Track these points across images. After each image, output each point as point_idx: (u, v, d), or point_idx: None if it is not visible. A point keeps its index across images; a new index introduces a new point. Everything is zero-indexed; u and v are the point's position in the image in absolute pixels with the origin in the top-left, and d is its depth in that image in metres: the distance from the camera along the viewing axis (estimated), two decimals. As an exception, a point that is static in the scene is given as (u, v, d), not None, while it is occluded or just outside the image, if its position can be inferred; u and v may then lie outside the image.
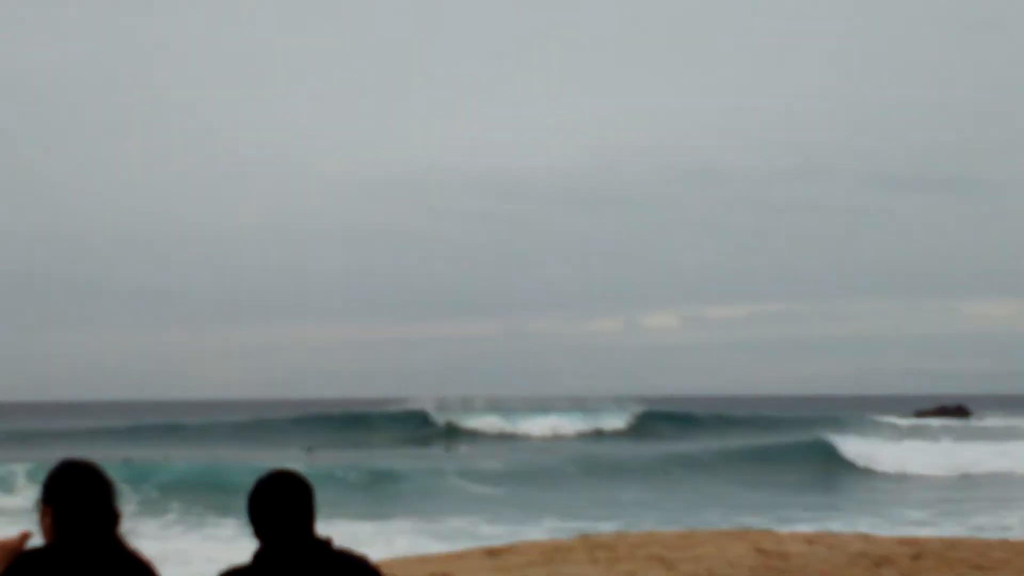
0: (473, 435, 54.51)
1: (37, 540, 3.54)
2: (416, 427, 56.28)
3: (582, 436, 55.65)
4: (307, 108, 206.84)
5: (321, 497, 3.61)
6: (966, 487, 32.72)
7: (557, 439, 54.14)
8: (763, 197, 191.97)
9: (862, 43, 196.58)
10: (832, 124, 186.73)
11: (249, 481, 3.58)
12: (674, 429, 58.19)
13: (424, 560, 14.33)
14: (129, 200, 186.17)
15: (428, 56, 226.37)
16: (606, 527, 21.10)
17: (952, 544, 15.59)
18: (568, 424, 58.16)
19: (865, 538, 16.32)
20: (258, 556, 3.43)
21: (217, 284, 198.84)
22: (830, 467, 37.10)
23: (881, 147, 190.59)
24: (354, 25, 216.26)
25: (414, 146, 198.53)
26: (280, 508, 3.44)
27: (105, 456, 27.26)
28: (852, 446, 39.80)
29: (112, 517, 3.55)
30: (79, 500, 3.51)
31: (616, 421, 60.16)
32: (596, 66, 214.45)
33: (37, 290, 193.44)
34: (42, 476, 3.64)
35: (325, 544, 3.47)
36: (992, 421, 69.69)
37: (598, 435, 56.68)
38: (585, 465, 35.86)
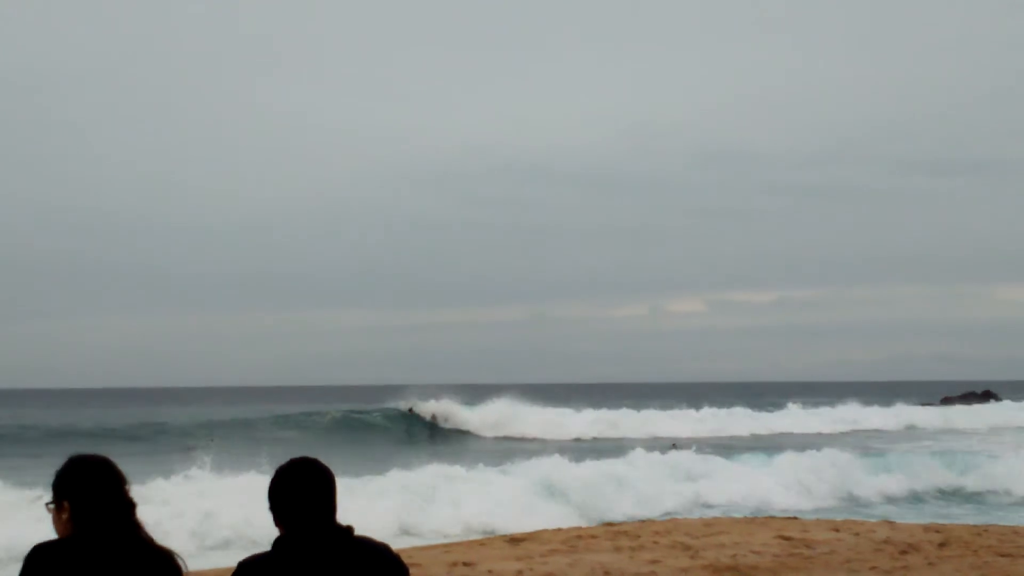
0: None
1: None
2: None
3: None
4: (334, 94, 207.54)
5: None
6: None
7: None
8: (791, 181, 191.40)
9: (893, 25, 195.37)
10: (863, 107, 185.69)
11: None
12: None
13: (446, 548, 14.34)
14: (156, 183, 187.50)
15: (454, 42, 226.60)
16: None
17: (979, 531, 15.50)
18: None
19: (891, 525, 16.24)
20: (279, 543, 3.43)
21: (237, 270, 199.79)
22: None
23: (912, 130, 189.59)
24: (379, 12, 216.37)
25: (440, 132, 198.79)
26: (301, 496, 3.41)
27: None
28: None
29: (129, 508, 3.56)
30: (97, 493, 3.52)
31: None
32: (623, 49, 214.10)
33: (68, 274, 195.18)
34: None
35: (346, 531, 3.45)
36: None
37: None
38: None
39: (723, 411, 62.73)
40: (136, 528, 3.54)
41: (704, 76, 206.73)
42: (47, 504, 3.57)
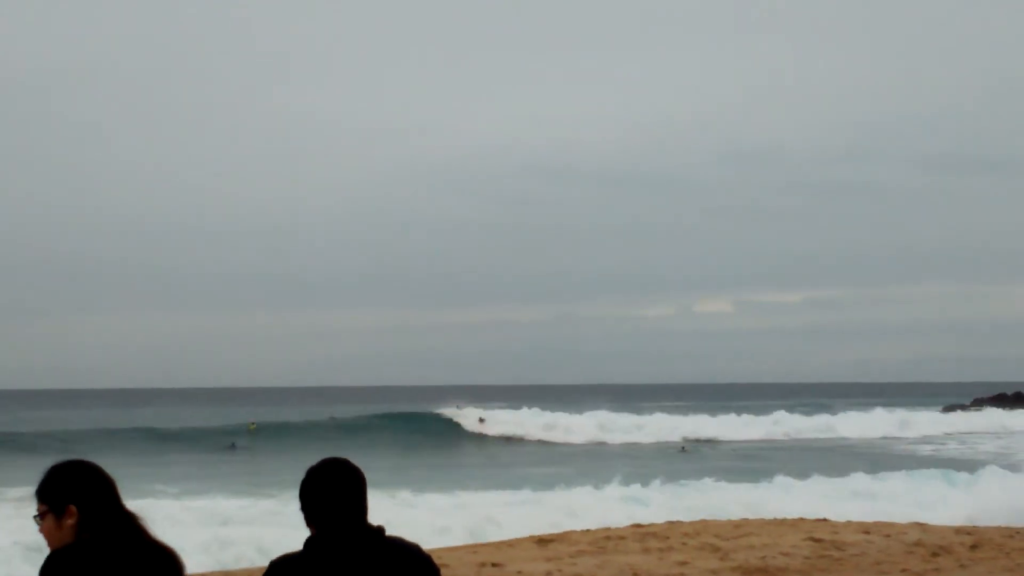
0: None
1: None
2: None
3: None
4: (357, 94, 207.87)
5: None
6: None
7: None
8: (817, 179, 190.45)
9: (914, 21, 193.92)
10: (886, 104, 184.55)
11: None
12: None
13: (474, 549, 14.31)
14: (181, 186, 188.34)
15: (476, 41, 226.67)
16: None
17: (1011, 533, 15.34)
18: None
19: (922, 527, 16.10)
20: (310, 543, 3.42)
21: (263, 271, 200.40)
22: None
23: (936, 127, 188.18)
24: (402, 12, 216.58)
25: (463, 132, 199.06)
26: (333, 495, 3.41)
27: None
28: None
29: (125, 508, 3.54)
30: (103, 496, 3.50)
31: None
32: (644, 47, 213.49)
33: (95, 274, 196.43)
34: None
35: (378, 531, 3.44)
36: None
37: None
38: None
39: (795, 415, 62.02)
40: (141, 527, 3.52)
41: (725, 75, 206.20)
42: (36, 516, 3.51)
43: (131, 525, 3.50)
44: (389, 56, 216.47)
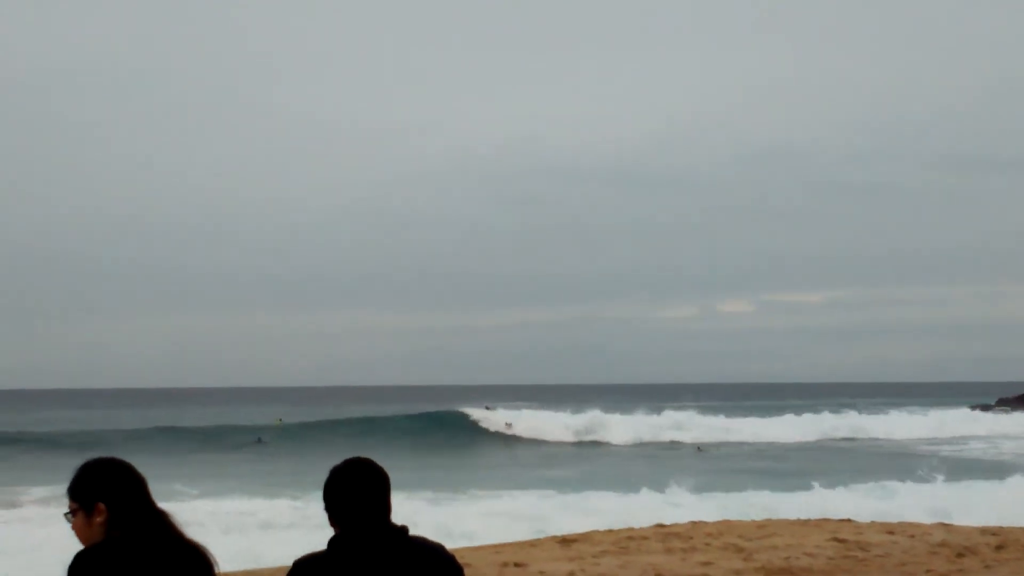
0: None
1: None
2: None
3: None
4: (357, 94, 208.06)
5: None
6: None
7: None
8: (836, 179, 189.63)
9: (931, 20, 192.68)
10: (905, 103, 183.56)
11: None
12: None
13: (497, 549, 14.30)
14: (198, 184, 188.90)
15: (476, 41, 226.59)
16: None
17: (1037, 534, 15.23)
18: None
19: (947, 528, 16.00)
20: (334, 543, 3.43)
21: (264, 271, 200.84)
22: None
23: (956, 127, 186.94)
24: (402, 11, 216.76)
25: (463, 131, 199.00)
26: (356, 495, 3.41)
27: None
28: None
29: (155, 505, 3.56)
30: (133, 493, 3.51)
31: None
32: (661, 45, 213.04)
33: (109, 275, 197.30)
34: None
35: (401, 531, 3.44)
36: None
37: None
38: None
39: (824, 415, 61.61)
40: (171, 525, 3.54)
41: (742, 73, 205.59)
42: (66, 513, 3.53)
43: (161, 523, 3.51)
44: (389, 56, 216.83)
